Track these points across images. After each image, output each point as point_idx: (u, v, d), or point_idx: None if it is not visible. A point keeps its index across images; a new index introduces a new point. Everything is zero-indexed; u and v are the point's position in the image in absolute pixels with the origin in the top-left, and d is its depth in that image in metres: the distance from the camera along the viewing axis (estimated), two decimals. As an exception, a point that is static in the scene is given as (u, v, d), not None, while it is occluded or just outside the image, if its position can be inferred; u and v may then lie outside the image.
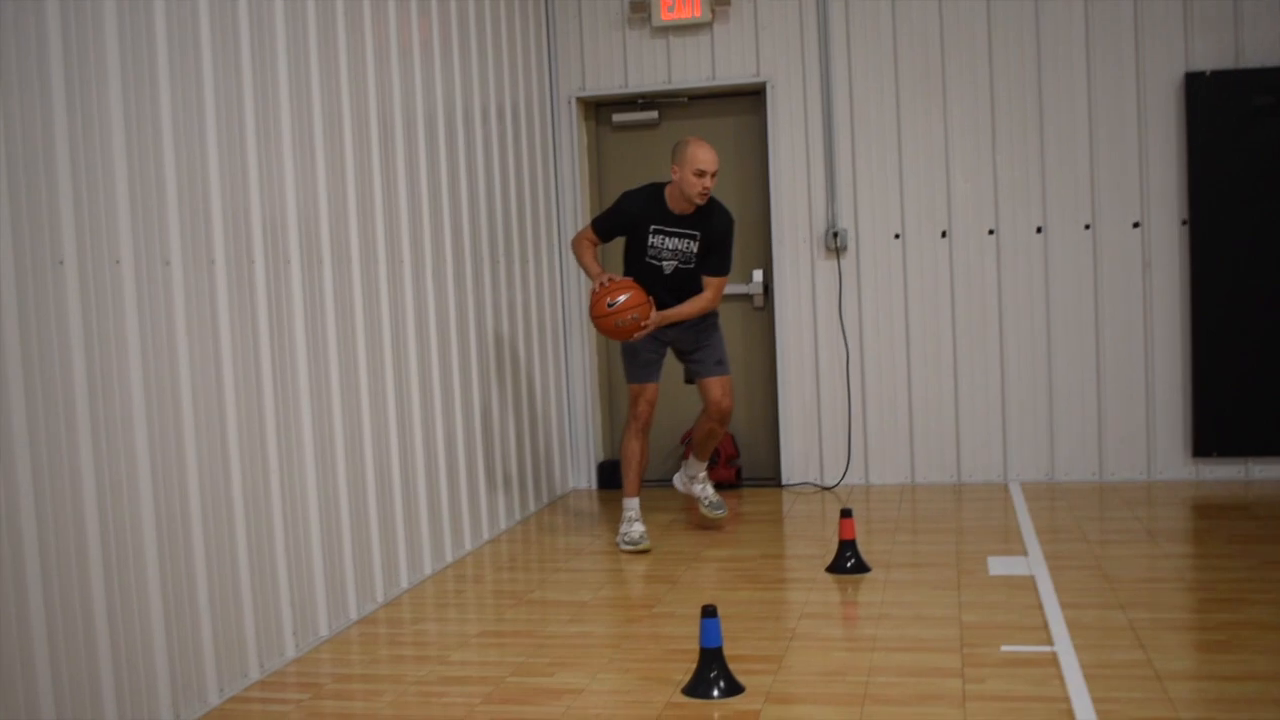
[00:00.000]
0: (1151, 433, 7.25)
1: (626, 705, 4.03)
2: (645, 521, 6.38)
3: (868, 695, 3.96)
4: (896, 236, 7.50)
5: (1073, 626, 4.53)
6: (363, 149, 5.33)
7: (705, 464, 6.59)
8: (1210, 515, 6.47)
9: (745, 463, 7.88)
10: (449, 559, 6.03)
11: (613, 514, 7.11)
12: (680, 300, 6.13)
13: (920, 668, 4.20)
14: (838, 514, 5.87)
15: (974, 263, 7.40)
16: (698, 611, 4.14)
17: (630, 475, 6.25)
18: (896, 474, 7.58)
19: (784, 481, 7.72)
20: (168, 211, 3.99)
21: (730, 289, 7.76)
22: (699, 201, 5.97)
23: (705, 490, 6.58)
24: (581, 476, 7.99)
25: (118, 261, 3.74)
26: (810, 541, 6.24)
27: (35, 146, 3.42)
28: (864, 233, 7.54)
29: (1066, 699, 3.81)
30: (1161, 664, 4.09)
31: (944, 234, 7.44)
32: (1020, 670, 4.11)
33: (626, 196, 6.20)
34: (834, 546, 5.70)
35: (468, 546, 6.26)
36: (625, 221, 6.14)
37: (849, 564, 5.53)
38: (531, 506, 7.21)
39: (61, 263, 3.50)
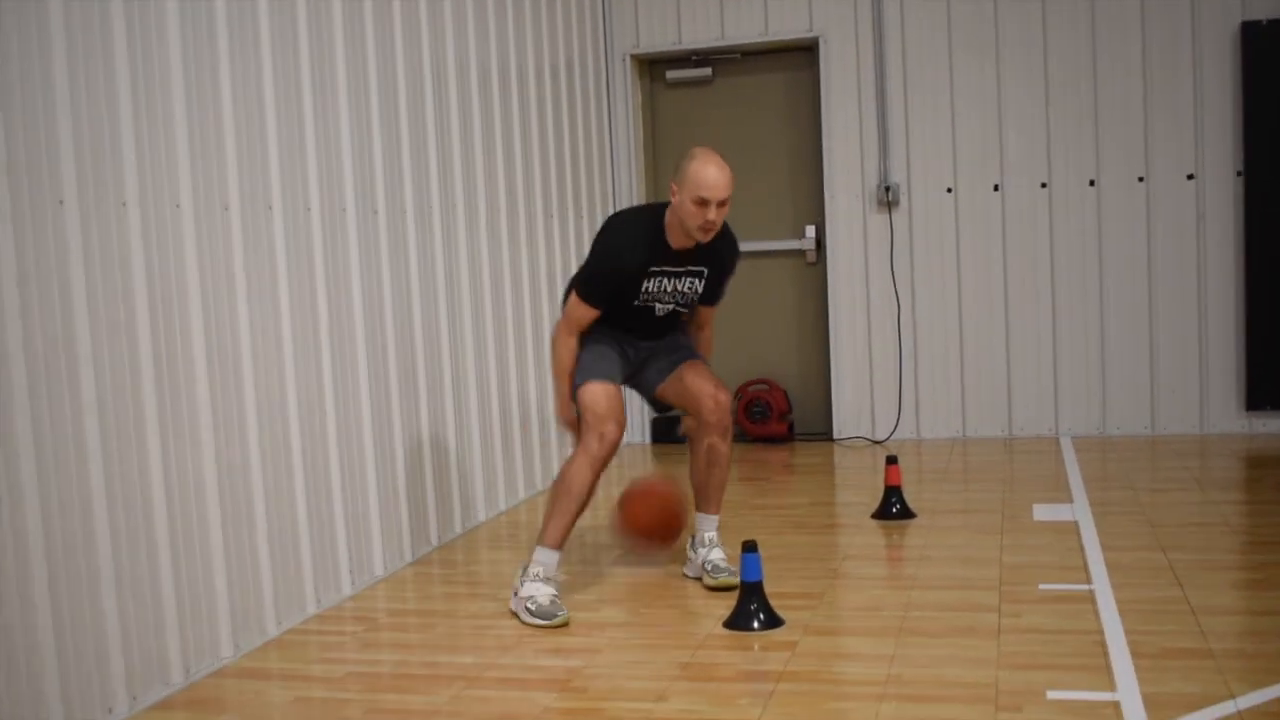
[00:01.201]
0: (1204, 386, 7.24)
1: (669, 636, 4.15)
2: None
3: (904, 628, 4.05)
4: (949, 190, 7.52)
5: (1111, 567, 4.58)
6: (416, 104, 5.44)
7: (718, 515, 4.84)
8: (1260, 466, 6.47)
9: (797, 417, 7.96)
10: (502, 506, 6.17)
11: (669, 466, 7.23)
12: (660, 336, 4.81)
13: (958, 604, 4.28)
14: (884, 464, 5.94)
15: (1026, 216, 7.41)
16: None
17: (563, 518, 4.44)
18: (948, 428, 7.62)
19: (835, 436, 7.79)
20: (226, 158, 4.12)
21: (782, 244, 7.86)
22: (700, 239, 4.42)
23: (709, 553, 4.74)
24: (636, 431, 8.10)
25: (178, 205, 3.88)
26: (858, 490, 6.32)
27: (99, 98, 3.56)
28: (916, 187, 7.57)
29: (1100, 631, 3.88)
30: (1197, 600, 4.15)
31: (996, 188, 7.45)
32: (1056, 606, 4.18)
33: (616, 235, 4.57)
34: (881, 494, 5.78)
35: (521, 495, 6.39)
36: (620, 276, 4.51)
37: (894, 509, 5.60)
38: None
39: (125, 205, 3.64)
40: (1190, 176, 7.19)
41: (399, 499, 5.19)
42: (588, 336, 4.62)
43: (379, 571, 5.02)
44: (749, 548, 4.15)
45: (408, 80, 5.38)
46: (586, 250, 7.35)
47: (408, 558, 5.25)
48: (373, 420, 5.00)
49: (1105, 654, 3.68)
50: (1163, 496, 5.79)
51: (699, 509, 4.81)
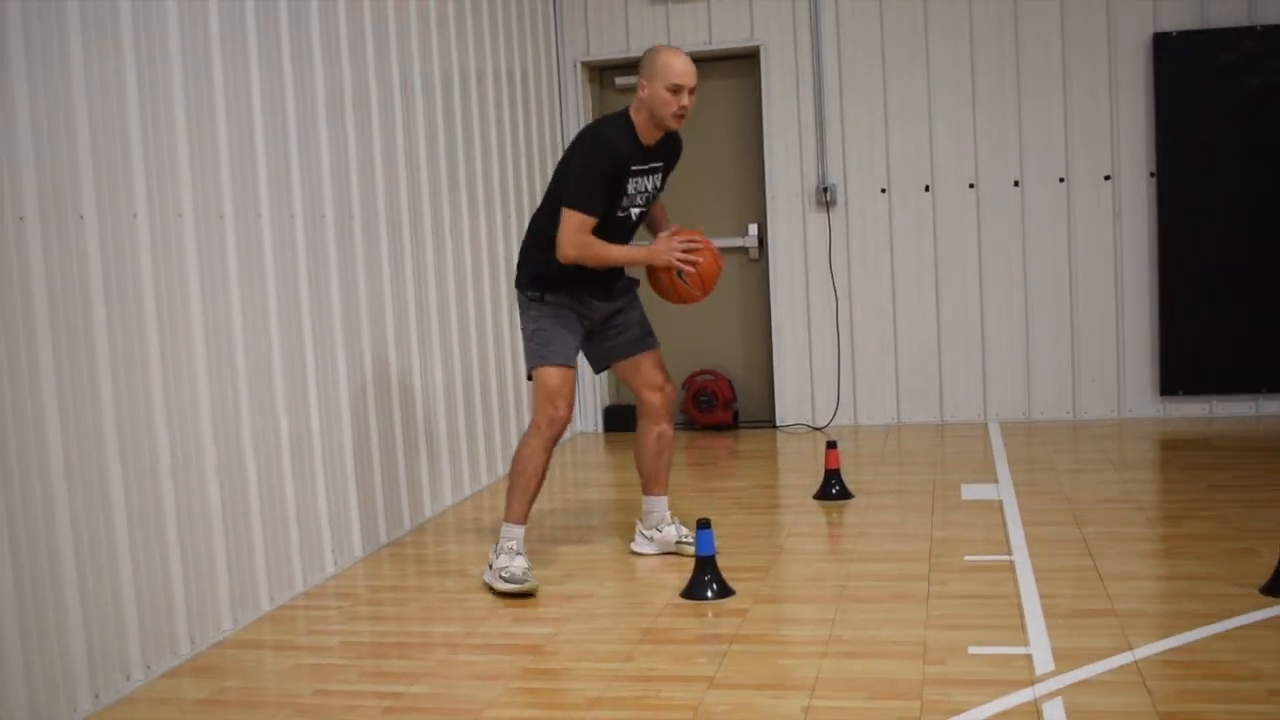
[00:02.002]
0: (1122, 374, 7.74)
1: (630, 605, 4.56)
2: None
3: (844, 595, 4.49)
4: (883, 191, 7.97)
5: (1031, 539, 5.05)
6: (379, 113, 5.80)
7: (666, 495, 5.21)
8: (1172, 448, 6.98)
9: (741, 406, 8.38)
10: (467, 492, 6.54)
11: (619, 454, 7.63)
12: (617, 278, 5.03)
13: (891, 574, 4.73)
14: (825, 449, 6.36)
15: (955, 215, 7.88)
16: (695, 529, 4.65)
17: (524, 495, 4.81)
18: (883, 414, 8.08)
19: (778, 423, 8.22)
20: (220, 168, 4.46)
21: (726, 242, 8.26)
22: (673, 126, 4.73)
23: (679, 530, 5.16)
24: (589, 420, 8.48)
25: (180, 214, 4.22)
26: (800, 474, 6.76)
27: (112, 108, 3.91)
28: (852, 187, 8.01)
29: (1018, 596, 4.34)
30: (1105, 568, 4.62)
31: (927, 188, 7.91)
32: (980, 575, 4.64)
33: (603, 138, 4.74)
34: (821, 477, 6.20)
35: (484, 481, 6.76)
36: (610, 174, 4.70)
37: (834, 491, 6.04)
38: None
39: (135, 216, 3.99)
40: (1107, 177, 7.68)
41: (374, 487, 5.55)
42: (547, 308, 4.84)
43: (358, 553, 5.39)
44: (703, 525, 4.57)
45: (359, 89, 5.72)
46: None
47: (383, 539, 5.62)
48: (351, 414, 5.35)
49: (1021, 615, 4.14)
50: (1080, 476, 6.27)
51: (652, 492, 5.18)
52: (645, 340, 5.11)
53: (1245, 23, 7.44)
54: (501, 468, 6.97)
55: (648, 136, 4.77)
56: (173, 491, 4.15)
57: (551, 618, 4.45)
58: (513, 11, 7.45)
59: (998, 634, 3.98)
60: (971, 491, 6.01)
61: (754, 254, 8.30)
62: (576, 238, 4.67)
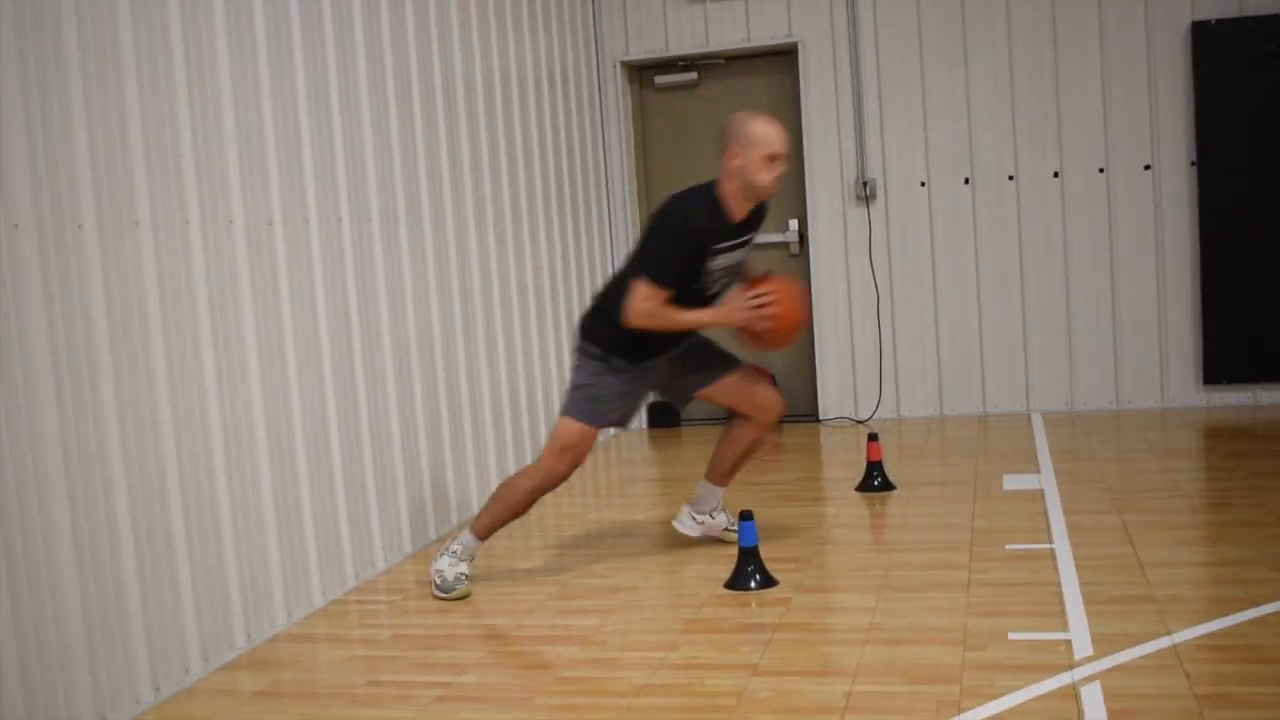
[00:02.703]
0: (1165, 363, 7.74)
1: (675, 597, 4.64)
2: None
3: (885, 584, 4.55)
4: (922, 184, 8.01)
5: (1072, 528, 5.09)
6: (421, 114, 5.90)
7: (725, 489, 5.27)
8: (1214, 436, 6.99)
9: (785, 400, 8.42)
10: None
11: (663, 450, 7.71)
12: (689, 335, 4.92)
13: (933, 563, 4.78)
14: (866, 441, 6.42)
15: (995, 207, 7.91)
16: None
17: (494, 519, 4.84)
18: (926, 407, 8.12)
19: (821, 417, 8.28)
20: (229, 173, 4.52)
21: (766, 237, 8.31)
22: (766, 196, 4.65)
23: (728, 517, 5.29)
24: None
25: (187, 222, 4.30)
26: (843, 467, 6.81)
27: (111, 114, 4.03)
28: (892, 181, 8.06)
29: (1058, 584, 4.38)
30: (1145, 555, 4.65)
31: (967, 180, 7.94)
32: (1020, 563, 4.68)
33: (685, 214, 4.60)
34: (864, 469, 6.25)
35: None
36: (690, 254, 4.56)
37: (876, 483, 6.09)
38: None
39: (137, 224, 4.11)
40: (1147, 167, 7.69)
41: (423, 484, 5.66)
42: (608, 372, 4.75)
43: (408, 549, 5.50)
44: (746, 516, 4.64)
45: (402, 92, 5.83)
46: (584, 249, 7.84)
47: (432, 535, 5.72)
48: (400, 418, 5.46)
49: (1061, 602, 4.18)
50: (1123, 465, 6.30)
51: (715, 480, 5.18)
52: (724, 360, 5.03)
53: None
54: (547, 464, 7.04)
55: (738, 210, 4.64)
56: (228, 492, 4.26)
57: (598, 610, 4.53)
58: (552, 12, 7.55)
59: (1038, 620, 4.02)
60: (1014, 482, 6.04)
61: (794, 249, 8.36)
62: (643, 306, 4.55)
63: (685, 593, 4.69)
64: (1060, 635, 3.86)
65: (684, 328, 4.69)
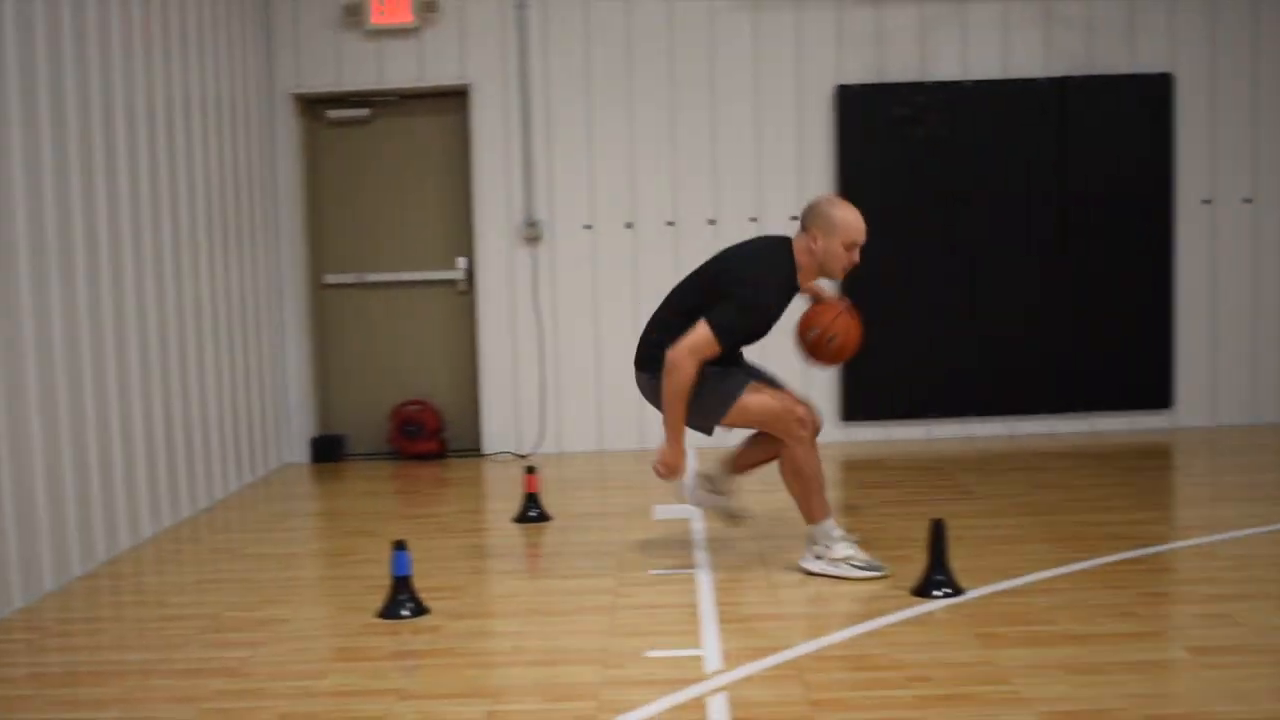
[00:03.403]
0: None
1: (327, 628, 4.66)
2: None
3: (533, 610, 4.71)
4: (587, 227, 8.29)
5: (713, 553, 5.40)
6: (81, 137, 5.73)
7: (737, 478, 5.54)
8: (851, 469, 7.51)
9: (449, 435, 8.53)
10: (166, 523, 6.47)
11: (326, 485, 7.67)
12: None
13: (580, 589, 4.97)
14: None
15: (654, 251, 8.27)
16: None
17: (820, 494, 5.07)
18: (586, 442, 8.38)
19: (485, 451, 8.41)
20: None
21: (435, 274, 8.45)
22: (838, 278, 4.98)
23: (729, 503, 5.56)
24: (296, 451, 8.47)
25: None
26: (503, 499, 6.94)
27: None
28: (559, 224, 8.31)
29: (695, 604, 4.65)
30: (776, 578, 4.99)
31: (629, 225, 8.27)
32: (662, 586, 4.94)
33: (762, 290, 4.89)
34: (521, 501, 6.41)
35: (185, 513, 6.70)
36: (764, 322, 4.95)
37: (533, 514, 6.26)
38: (248, 477, 7.68)
39: None
40: (794, 218, 8.18)
41: (67, 519, 5.46)
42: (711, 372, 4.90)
43: (49, 585, 5.29)
44: (399, 546, 4.71)
45: (56, 116, 5.66)
46: (248, 278, 7.73)
47: (76, 571, 5.53)
48: (43, 442, 5.26)
49: (697, 621, 4.44)
50: (764, 496, 6.66)
51: (733, 470, 5.42)
52: (760, 372, 5.19)
53: (917, 78, 8.10)
54: (204, 500, 6.91)
55: (805, 281, 4.99)
56: None
57: (248, 642, 4.50)
58: (222, 41, 7.44)
59: (674, 639, 4.26)
60: (664, 512, 6.32)
61: (462, 286, 8.49)
62: (695, 355, 4.80)
63: (337, 623, 4.72)
64: (694, 652, 4.10)
65: (670, 408, 4.90)
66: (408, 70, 8.29)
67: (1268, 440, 7.93)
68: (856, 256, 4.89)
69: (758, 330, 4.94)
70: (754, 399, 4.95)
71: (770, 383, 5.15)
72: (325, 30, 8.27)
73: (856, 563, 4.95)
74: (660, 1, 8.20)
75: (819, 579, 4.95)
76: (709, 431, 5.09)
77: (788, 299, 4.98)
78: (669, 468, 5.00)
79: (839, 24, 8.19)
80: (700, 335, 4.80)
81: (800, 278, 4.96)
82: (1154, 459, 7.61)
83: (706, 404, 4.95)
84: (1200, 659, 3.93)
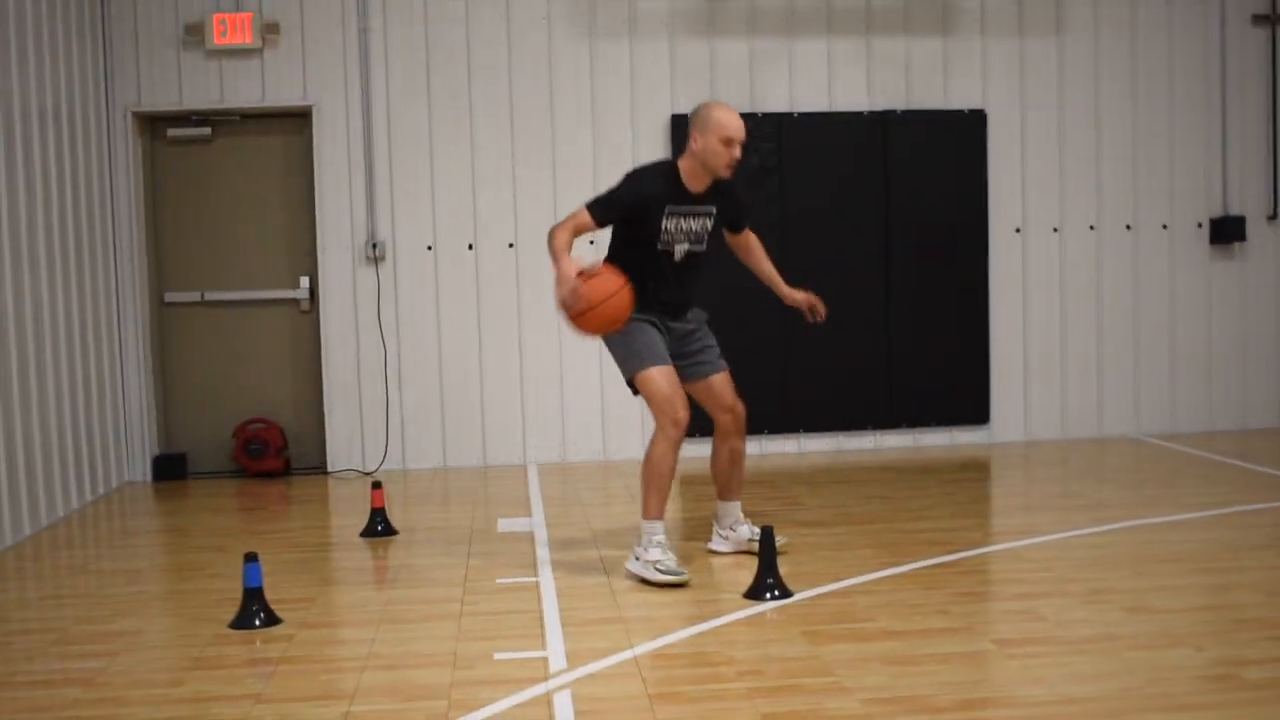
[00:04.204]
0: (644, 421, 8.53)
1: (180, 638, 4.75)
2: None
3: (384, 618, 4.88)
4: (429, 248, 8.46)
5: (555, 563, 5.63)
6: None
7: (739, 500, 5.80)
8: (688, 483, 7.79)
9: (293, 453, 8.60)
10: (8, 541, 6.43)
11: (169, 501, 7.69)
12: (686, 289, 5.51)
13: (429, 598, 5.16)
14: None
15: (496, 272, 8.48)
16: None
17: (660, 496, 5.30)
18: (430, 459, 8.53)
19: (329, 469, 8.50)
20: None
21: (278, 294, 8.52)
22: (725, 175, 5.30)
23: (751, 529, 5.69)
24: (137, 470, 8.44)
25: None
26: (349, 515, 7.07)
27: None
28: (400, 244, 8.46)
29: (540, 611, 4.87)
30: (617, 584, 5.24)
31: (470, 246, 8.47)
32: (508, 594, 5.15)
33: (636, 176, 5.40)
34: (368, 516, 6.55)
35: (26, 531, 6.66)
36: (635, 203, 5.28)
37: (379, 528, 6.41)
38: (89, 495, 7.64)
39: None
40: (632, 241, 8.50)
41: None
42: (632, 320, 5.22)
43: (-112, 602, 5.27)
44: (250, 558, 4.83)
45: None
46: (88, 292, 7.72)
47: (-85, 589, 5.50)
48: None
49: (542, 625, 4.67)
50: (606, 509, 6.95)
51: (726, 497, 5.73)
52: (716, 363, 5.57)
53: (748, 109, 8.48)
54: (45, 518, 6.88)
55: (694, 183, 5.33)
56: None
57: (101, 653, 4.57)
58: (60, 54, 7.43)
59: (520, 642, 4.48)
60: (508, 525, 6.53)
61: (305, 305, 8.57)
62: (565, 225, 5.20)
63: (190, 634, 4.81)
64: (539, 653, 4.33)
65: (557, 259, 5.10)
66: (250, 91, 8.36)
67: (1076, 453, 8.48)
68: (737, 152, 5.25)
69: (641, 221, 5.28)
70: (655, 374, 5.29)
71: (677, 374, 5.42)
72: (166, 49, 8.29)
73: (661, 568, 5.19)
74: (501, 30, 8.43)
75: (657, 587, 5.21)
76: (629, 381, 5.44)
77: (669, 190, 5.30)
78: (561, 281, 5.07)
79: (673, 56, 8.53)
80: (575, 212, 5.31)
81: (687, 178, 5.33)
82: (972, 471, 8.08)
83: (620, 351, 5.39)
84: (1005, 650, 4.30)
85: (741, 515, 5.78)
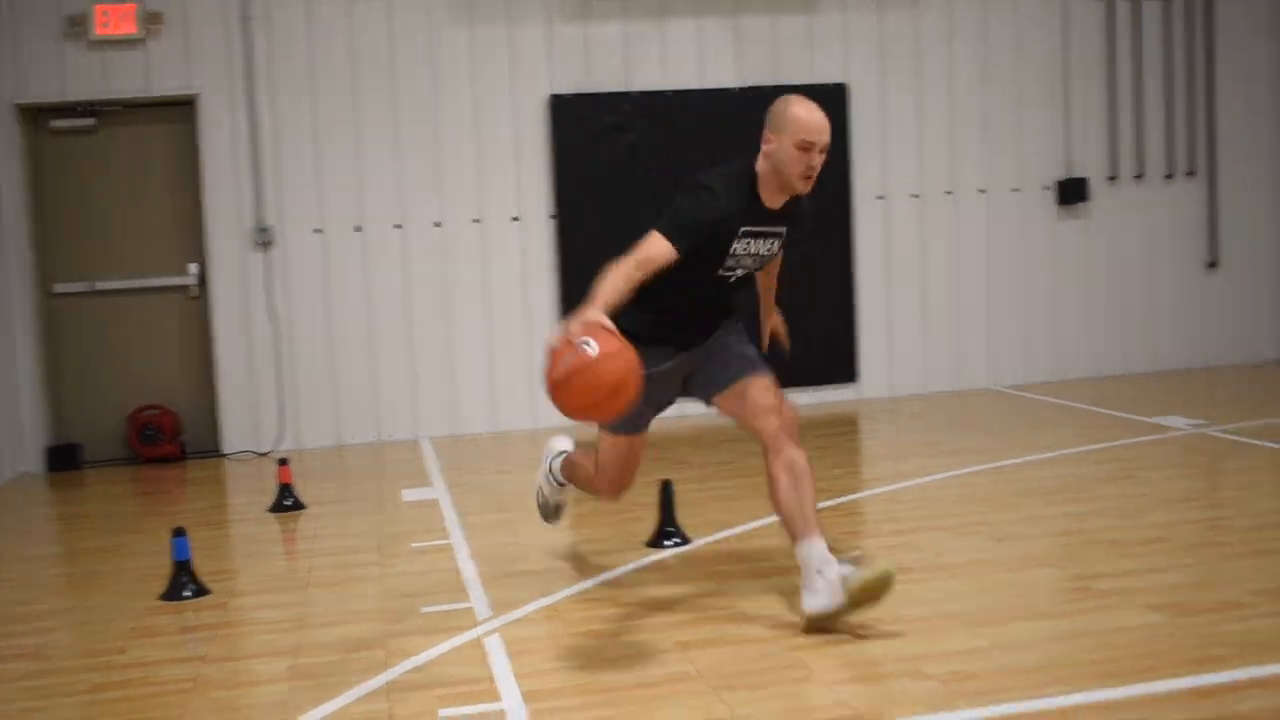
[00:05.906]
0: (535, 390, 8.88)
1: (114, 612, 4.96)
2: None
3: (309, 583, 5.16)
4: (317, 231, 8.67)
5: (465, 527, 5.96)
6: None
7: (819, 535, 4.15)
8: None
9: (188, 438, 8.74)
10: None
11: (67, 490, 7.82)
12: (729, 306, 4.52)
13: (348, 564, 5.45)
14: (276, 467, 6.91)
15: (381, 254, 8.73)
16: (167, 546, 5.11)
17: (579, 475, 4.87)
18: (325, 437, 8.76)
19: (224, 451, 8.68)
20: None
21: (166, 280, 8.66)
22: (800, 189, 4.21)
23: (841, 568, 4.11)
24: (31, 461, 8.50)
25: None
26: (253, 494, 7.29)
27: None
28: (289, 228, 8.65)
29: (458, 568, 5.20)
30: (527, 540, 5.59)
31: (358, 229, 8.70)
32: (424, 557, 5.47)
33: (712, 189, 4.20)
34: (275, 493, 6.77)
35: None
36: (716, 220, 4.15)
37: (288, 503, 6.64)
38: (-14, 487, 7.73)
39: None
40: (515, 218, 8.81)
41: None
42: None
43: None
44: (178, 533, 5.07)
45: None
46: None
47: None
48: None
49: (461, 581, 5.00)
50: (501, 477, 7.30)
51: (801, 537, 4.15)
52: (741, 365, 4.38)
53: (623, 88, 8.83)
54: (-51, 508, 6.97)
55: (771, 197, 4.26)
56: None
57: (40, 630, 4.77)
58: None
59: (444, 596, 4.81)
60: (411, 495, 6.83)
61: (194, 292, 8.71)
62: (634, 261, 4.08)
63: (123, 608, 5.01)
64: (464, 605, 4.67)
65: (602, 295, 4.03)
66: (133, 81, 8.46)
67: (938, 406, 9.03)
68: (815, 161, 4.17)
69: (716, 231, 4.18)
70: (607, 440, 4.56)
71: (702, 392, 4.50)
72: (47, 41, 8.35)
73: (558, 479, 5.03)
74: (382, 16, 8.66)
75: (564, 540, 5.56)
76: None
77: (748, 205, 4.23)
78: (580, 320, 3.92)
79: (549, 38, 8.84)
80: (650, 238, 4.13)
81: (762, 190, 4.26)
82: (843, 426, 8.58)
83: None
84: (887, 580, 4.75)
85: (828, 553, 4.14)
